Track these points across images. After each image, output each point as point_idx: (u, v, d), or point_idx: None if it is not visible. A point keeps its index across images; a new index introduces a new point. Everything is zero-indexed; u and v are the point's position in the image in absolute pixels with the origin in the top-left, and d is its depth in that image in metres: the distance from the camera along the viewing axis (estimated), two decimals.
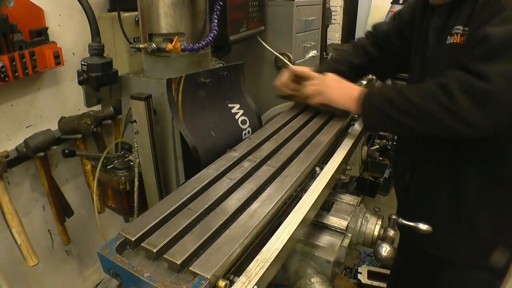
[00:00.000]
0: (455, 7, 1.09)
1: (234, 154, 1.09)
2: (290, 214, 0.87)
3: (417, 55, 1.27)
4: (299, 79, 1.39)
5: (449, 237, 1.25)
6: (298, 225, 0.84)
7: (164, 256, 0.71)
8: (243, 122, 1.38)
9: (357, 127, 1.37)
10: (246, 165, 1.04)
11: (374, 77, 1.96)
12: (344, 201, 1.15)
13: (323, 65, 1.52)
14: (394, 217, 1.06)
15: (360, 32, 4.02)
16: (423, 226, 1.03)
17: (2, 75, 1.32)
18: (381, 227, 1.06)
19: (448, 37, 1.09)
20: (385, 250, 0.97)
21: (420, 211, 1.30)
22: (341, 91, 1.21)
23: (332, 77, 1.25)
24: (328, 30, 3.65)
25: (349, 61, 1.48)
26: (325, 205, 1.10)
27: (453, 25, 1.08)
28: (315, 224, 1.06)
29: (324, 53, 2.80)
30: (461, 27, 1.05)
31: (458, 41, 1.06)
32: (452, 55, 1.08)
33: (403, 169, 1.39)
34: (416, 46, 1.29)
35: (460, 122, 0.95)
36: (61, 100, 1.69)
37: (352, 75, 1.47)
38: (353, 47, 1.53)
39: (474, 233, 1.19)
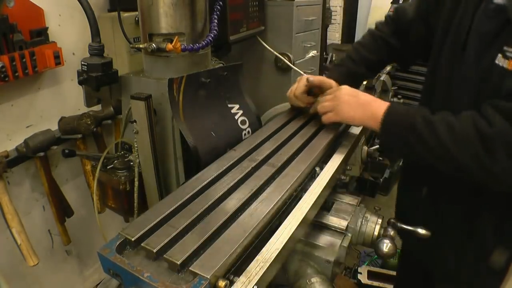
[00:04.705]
0: None
1: (234, 154, 1.09)
2: (290, 214, 0.87)
3: (443, 53, 1.11)
4: (314, 90, 1.29)
5: (460, 268, 1.21)
6: (298, 225, 0.84)
7: (164, 256, 0.71)
8: (243, 122, 1.38)
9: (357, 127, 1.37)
10: (246, 165, 1.03)
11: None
12: (344, 201, 1.15)
13: (338, 68, 1.39)
14: (392, 221, 1.06)
15: (360, 32, 4.02)
16: (421, 231, 1.03)
17: (2, 75, 1.32)
18: (381, 227, 1.06)
19: (500, 55, 0.90)
20: (386, 246, 0.97)
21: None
22: (359, 107, 1.07)
23: (347, 91, 1.12)
24: (328, 30, 3.66)
25: (366, 59, 1.35)
26: (325, 205, 1.10)
27: (507, 41, 0.89)
28: (315, 224, 1.06)
29: (324, 53, 2.80)
30: None
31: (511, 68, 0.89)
32: (498, 81, 0.91)
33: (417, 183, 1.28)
34: (441, 41, 1.12)
35: (492, 177, 0.89)
36: (61, 100, 1.69)
37: (370, 73, 1.41)
38: (372, 38, 1.37)
39: (485, 261, 1.14)
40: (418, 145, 0.94)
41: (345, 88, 1.13)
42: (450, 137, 0.90)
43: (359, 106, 1.08)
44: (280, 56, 1.96)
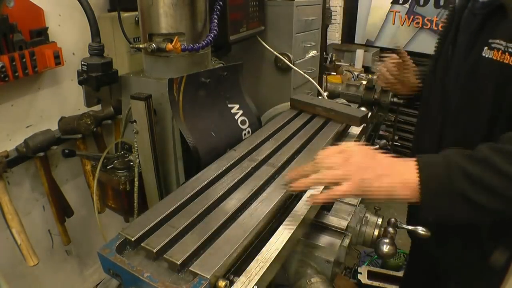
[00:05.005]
0: (501, 9, 0.94)
1: (234, 154, 1.09)
2: (290, 214, 0.87)
3: (441, 53, 1.18)
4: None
5: (460, 268, 1.22)
6: (298, 225, 0.84)
7: (164, 256, 0.71)
8: (243, 122, 1.38)
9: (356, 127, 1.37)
10: (246, 165, 1.04)
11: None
12: (344, 201, 1.15)
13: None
14: (393, 220, 1.06)
15: (360, 32, 4.02)
16: (421, 231, 1.02)
17: (2, 75, 1.32)
18: (381, 227, 1.06)
19: (486, 48, 0.96)
20: (386, 246, 0.97)
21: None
22: (384, 174, 0.78)
23: (362, 151, 0.82)
24: (328, 30, 3.65)
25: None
26: (325, 205, 1.10)
27: (492, 34, 0.96)
28: (315, 224, 1.06)
29: (324, 53, 2.79)
30: (503, 43, 0.91)
31: (498, 58, 0.92)
32: (490, 72, 0.96)
33: None
34: (441, 42, 1.20)
35: None
36: (61, 100, 1.69)
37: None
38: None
39: (485, 261, 1.13)
40: (479, 192, 0.74)
41: (358, 147, 0.83)
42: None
43: (383, 171, 0.79)
44: (280, 56, 1.96)
